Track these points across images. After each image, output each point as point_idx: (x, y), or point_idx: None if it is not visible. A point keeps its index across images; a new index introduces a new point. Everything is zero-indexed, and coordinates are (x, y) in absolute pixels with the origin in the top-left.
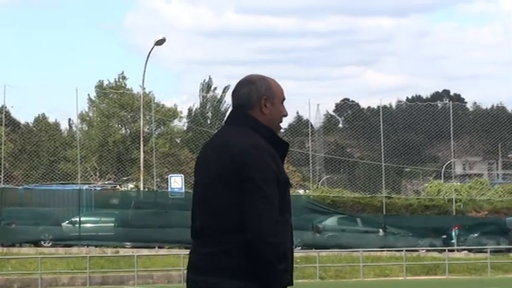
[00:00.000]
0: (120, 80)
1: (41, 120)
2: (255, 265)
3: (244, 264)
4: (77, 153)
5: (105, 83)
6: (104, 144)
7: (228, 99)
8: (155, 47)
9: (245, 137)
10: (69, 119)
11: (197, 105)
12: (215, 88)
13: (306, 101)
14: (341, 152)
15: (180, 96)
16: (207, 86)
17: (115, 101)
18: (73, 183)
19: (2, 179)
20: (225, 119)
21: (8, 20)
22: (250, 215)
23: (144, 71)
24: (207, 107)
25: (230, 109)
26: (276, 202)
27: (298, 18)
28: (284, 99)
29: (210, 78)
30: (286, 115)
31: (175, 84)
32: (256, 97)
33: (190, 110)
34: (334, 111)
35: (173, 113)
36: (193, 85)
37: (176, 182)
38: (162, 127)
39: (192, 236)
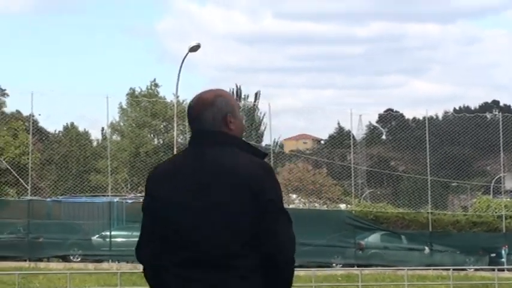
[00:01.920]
0: (153, 87)
1: (69, 129)
2: (274, 285)
3: (260, 285)
4: (108, 164)
5: (137, 91)
6: (135, 154)
7: (261, 107)
8: (189, 53)
9: (243, 157)
10: (102, 128)
11: None
12: (246, 96)
13: (348, 111)
14: (384, 165)
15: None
16: (237, 95)
17: (147, 109)
18: (103, 196)
19: (30, 190)
20: (194, 139)
21: (36, 26)
22: (279, 237)
23: (178, 79)
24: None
25: (195, 133)
26: None
27: (340, 24)
28: (239, 109)
29: (238, 87)
30: (243, 119)
31: None
32: (221, 117)
33: None
34: (377, 122)
35: None
36: None
37: None
38: None
39: (180, 265)
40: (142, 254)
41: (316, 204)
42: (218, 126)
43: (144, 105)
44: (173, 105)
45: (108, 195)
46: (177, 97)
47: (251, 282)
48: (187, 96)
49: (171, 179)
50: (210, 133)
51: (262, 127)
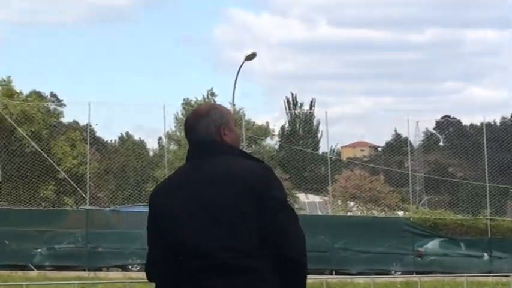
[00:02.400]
0: (209, 96)
1: (126, 139)
2: (289, 283)
3: (278, 286)
4: (165, 173)
5: (193, 100)
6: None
7: (317, 114)
8: (245, 62)
9: (244, 162)
10: (159, 138)
11: (287, 122)
12: (301, 104)
13: (405, 117)
14: (442, 171)
15: (272, 113)
16: (292, 103)
17: None
18: None
19: (88, 200)
20: (191, 152)
21: (92, 36)
22: (287, 235)
23: (234, 87)
24: (297, 124)
25: (192, 145)
26: None
27: (396, 30)
28: (235, 122)
29: (293, 95)
30: (240, 136)
31: (267, 101)
32: (215, 128)
33: (282, 128)
34: (434, 128)
35: (265, 131)
36: (282, 101)
37: None
38: (253, 146)
39: (188, 272)
40: (153, 270)
41: (374, 212)
42: (213, 136)
43: None
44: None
45: None
46: (234, 105)
47: (269, 284)
48: (244, 104)
49: (173, 194)
50: (206, 143)
51: (318, 135)
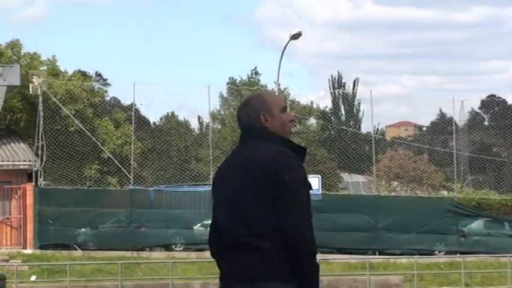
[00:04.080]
0: (253, 76)
1: (170, 118)
2: (296, 264)
3: (286, 266)
4: (210, 153)
5: (237, 79)
6: (236, 143)
7: (361, 94)
8: (290, 41)
9: (267, 147)
10: (199, 117)
11: (331, 102)
12: (345, 83)
13: (450, 97)
14: (487, 151)
15: (316, 93)
16: (337, 82)
17: None
18: (205, 185)
19: (132, 180)
20: (240, 138)
21: (138, 16)
22: (286, 215)
23: (279, 67)
24: (341, 104)
25: (241, 130)
26: (308, 203)
27: (442, 9)
28: (285, 107)
29: (339, 74)
30: (292, 120)
31: (311, 80)
32: (255, 115)
33: (326, 108)
34: (479, 108)
35: (309, 111)
36: (327, 81)
37: (313, 184)
38: (297, 125)
39: (223, 250)
40: (210, 240)
41: (418, 192)
42: (253, 123)
43: (245, 94)
44: (273, 93)
45: (209, 184)
46: (279, 85)
47: (274, 262)
48: (288, 84)
49: (219, 176)
50: (247, 129)
51: (361, 114)
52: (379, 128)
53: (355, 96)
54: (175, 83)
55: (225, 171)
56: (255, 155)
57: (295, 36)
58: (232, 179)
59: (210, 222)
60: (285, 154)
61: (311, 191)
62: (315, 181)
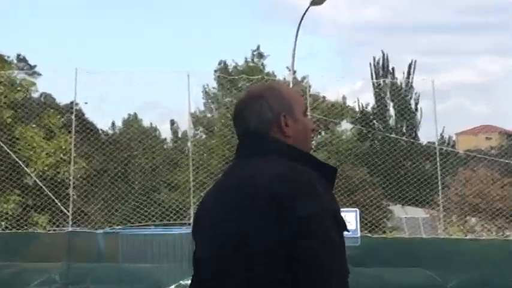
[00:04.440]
0: (255, 59)
1: (130, 123)
2: None
3: None
4: (189, 176)
5: (231, 65)
6: (229, 160)
7: (418, 85)
8: (310, 7)
9: (276, 164)
10: (172, 122)
11: (373, 97)
12: (392, 70)
13: None
14: None
15: (351, 84)
16: (382, 68)
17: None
18: (182, 224)
19: (70, 218)
20: (235, 151)
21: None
22: (309, 281)
23: (295, 46)
24: (388, 100)
25: (238, 138)
26: (342, 252)
27: None
28: (306, 108)
29: (385, 56)
30: (314, 129)
31: (343, 65)
32: (272, 116)
33: (366, 106)
34: None
35: (340, 111)
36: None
37: (347, 221)
38: (322, 133)
39: None
40: None
41: (508, 232)
42: (265, 129)
43: (242, 87)
44: (287, 85)
45: (188, 224)
46: (294, 73)
47: None
48: (308, 71)
49: (202, 208)
50: (253, 138)
51: (418, 116)
52: (447, 137)
53: (410, 88)
54: (138, 72)
55: (212, 203)
56: (256, 174)
57: (318, 1)
58: (224, 214)
59: (189, 282)
60: (304, 175)
61: (345, 233)
62: (350, 217)
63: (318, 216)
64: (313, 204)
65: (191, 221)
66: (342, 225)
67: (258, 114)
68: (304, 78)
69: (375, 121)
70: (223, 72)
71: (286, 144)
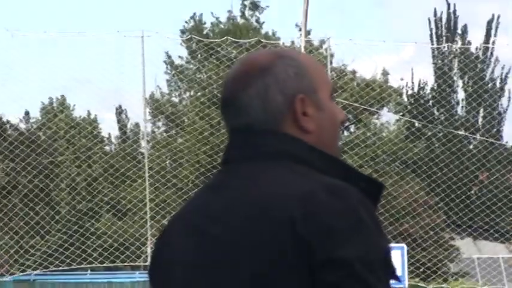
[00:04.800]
0: (245, 12)
1: (51, 110)
2: None
3: None
4: (146, 189)
5: (208, 22)
6: (208, 164)
7: (500, 54)
8: None
9: (301, 180)
10: (119, 110)
11: (433, 73)
12: (463, 31)
13: None
14: None
15: (397, 52)
16: (446, 26)
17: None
18: (134, 268)
19: None
20: (224, 153)
21: None
22: None
23: None
24: (454, 78)
25: (229, 135)
26: None
27: None
28: (334, 88)
29: (449, 7)
30: (344, 121)
31: (384, 22)
32: (284, 101)
33: (423, 86)
34: None
35: (380, 93)
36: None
37: (395, 262)
38: (351, 126)
39: None
40: None
41: None
42: (274, 121)
43: (228, 55)
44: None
45: (143, 268)
46: (308, 34)
47: None
48: (328, 31)
49: (175, 242)
50: (254, 136)
51: (504, 101)
52: None
53: (489, 59)
54: (64, 35)
55: (186, 238)
56: (267, 196)
57: None
58: (210, 258)
59: None
60: (346, 197)
61: (393, 282)
62: (396, 256)
63: (365, 259)
64: (358, 244)
65: (147, 262)
66: (392, 272)
67: (262, 98)
68: (322, 42)
69: (434, 110)
70: (197, 34)
71: (307, 146)
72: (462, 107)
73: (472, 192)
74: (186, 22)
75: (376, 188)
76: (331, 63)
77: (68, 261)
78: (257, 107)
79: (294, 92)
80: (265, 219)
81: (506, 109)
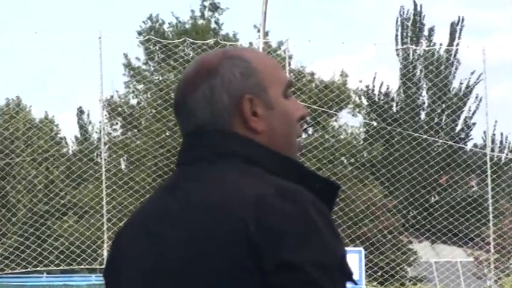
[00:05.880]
0: (204, 13)
1: (9, 111)
2: None
3: None
4: (103, 197)
5: (166, 22)
6: (165, 166)
7: (462, 57)
8: None
9: (251, 181)
10: (80, 110)
11: (399, 74)
12: (430, 31)
13: None
14: None
15: (357, 53)
16: (412, 25)
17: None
18: (91, 271)
19: None
20: (179, 155)
21: None
22: None
23: None
24: (419, 77)
25: (183, 137)
26: None
27: None
28: (290, 84)
29: (416, 7)
30: (303, 117)
31: (345, 22)
32: (229, 101)
33: (379, 88)
34: None
35: (339, 94)
36: (385, 25)
37: (352, 266)
38: (309, 130)
39: None
40: None
41: None
42: (223, 123)
43: (186, 57)
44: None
45: (99, 271)
46: (266, 34)
47: None
48: (287, 32)
49: (127, 240)
50: (203, 137)
51: (469, 104)
52: (504, 139)
53: (452, 62)
54: (20, 34)
55: (141, 239)
56: (218, 199)
57: None
58: (163, 259)
59: None
60: (298, 200)
61: (350, 286)
62: (353, 260)
63: (318, 263)
64: (310, 248)
65: (103, 264)
66: (347, 275)
67: (208, 101)
68: (281, 43)
69: (393, 111)
70: (156, 35)
71: (258, 146)
72: (425, 109)
73: (432, 194)
74: (143, 22)
75: (331, 189)
76: (289, 64)
77: (24, 263)
78: (204, 109)
79: (240, 92)
80: (217, 223)
81: (473, 114)
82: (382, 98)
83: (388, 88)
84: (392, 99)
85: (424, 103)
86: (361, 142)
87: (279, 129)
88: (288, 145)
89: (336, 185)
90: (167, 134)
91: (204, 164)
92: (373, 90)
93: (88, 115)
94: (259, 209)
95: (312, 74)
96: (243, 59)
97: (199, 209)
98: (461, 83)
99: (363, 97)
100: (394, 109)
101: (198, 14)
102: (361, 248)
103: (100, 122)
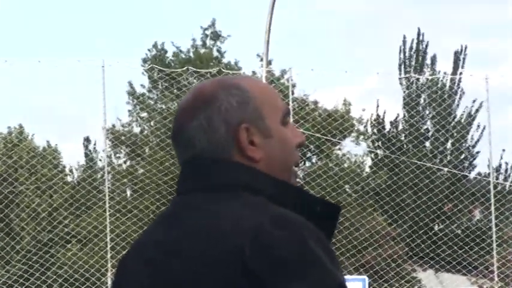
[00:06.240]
0: (206, 42)
1: (11, 139)
2: None
3: None
4: (106, 225)
5: (170, 51)
6: (169, 194)
7: (466, 86)
8: None
9: (247, 209)
10: (86, 139)
11: (402, 105)
12: (432, 60)
13: None
14: None
15: (360, 83)
16: (416, 55)
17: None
18: None
19: None
20: (177, 185)
21: None
22: None
23: (270, 21)
24: (423, 106)
25: (180, 165)
26: None
27: None
28: (288, 112)
29: (419, 36)
30: (301, 144)
31: (349, 52)
32: (226, 130)
33: (382, 116)
34: None
35: (342, 123)
36: (389, 53)
37: None
38: (313, 158)
39: None
40: None
41: None
42: (221, 151)
43: (189, 85)
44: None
45: None
46: (269, 63)
47: None
48: (290, 61)
49: (129, 268)
50: (204, 166)
51: (472, 133)
52: (509, 167)
53: (456, 90)
54: (21, 62)
55: (139, 268)
56: (215, 228)
57: None
58: (155, 283)
59: None
60: (293, 228)
61: None
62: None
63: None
64: (308, 276)
65: None
66: None
67: (205, 130)
68: (284, 72)
69: (398, 140)
70: (159, 63)
71: (257, 173)
72: (429, 138)
73: (436, 223)
74: (148, 50)
75: (332, 211)
76: (292, 93)
77: None
78: (202, 139)
79: (237, 121)
80: (215, 253)
81: (476, 142)
82: (388, 127)
83: (397, 117)
84: (396, 128)
85: (428, 131)
86: (365, 170)
87: (277, 156)
88: (286, 172)
89: (335, 206)
90: (171, 162)
91: (202, 194)
92: (377, 119)
93: (95, 144)
94: (256, 239)
95: (316, 103)
96: (240, 88)
97: (195, 236)
98: (463, 112)
99: (368, 125)
100: (401, 138)
101: (199, 42)
102: (365, 276)
103: (103, 151)
